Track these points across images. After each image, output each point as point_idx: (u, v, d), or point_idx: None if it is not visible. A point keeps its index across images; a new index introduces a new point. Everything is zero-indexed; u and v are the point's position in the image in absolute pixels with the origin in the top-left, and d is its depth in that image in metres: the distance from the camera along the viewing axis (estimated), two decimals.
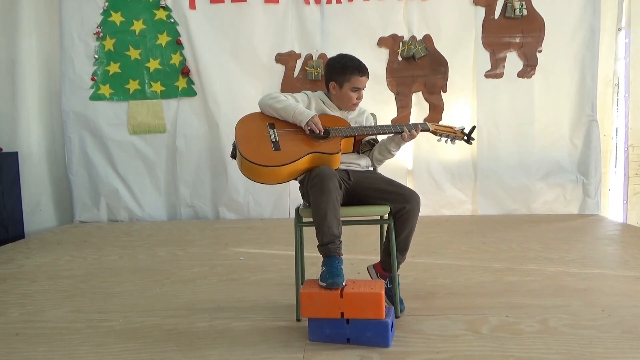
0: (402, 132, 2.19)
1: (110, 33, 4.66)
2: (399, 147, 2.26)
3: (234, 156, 2.17)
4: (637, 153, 4.52)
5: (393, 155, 2.30)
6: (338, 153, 2.11)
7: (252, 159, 2.03)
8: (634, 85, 4.51)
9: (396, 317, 2.08)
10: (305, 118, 2.11)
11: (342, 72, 2.22)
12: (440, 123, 2.43)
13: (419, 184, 4.65)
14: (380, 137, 2.39)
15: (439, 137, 2.30)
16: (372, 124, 2.39)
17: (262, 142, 2.11)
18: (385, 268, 2.23)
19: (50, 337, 2.02)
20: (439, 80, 4.63)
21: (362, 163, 2.28)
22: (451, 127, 2.31)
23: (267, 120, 2.19)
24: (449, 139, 2.29)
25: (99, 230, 4.39)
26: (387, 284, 2.18)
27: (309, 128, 2.10)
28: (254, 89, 4.60)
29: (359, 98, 2.28)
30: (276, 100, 2.18)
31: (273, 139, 2.11)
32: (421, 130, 2.24)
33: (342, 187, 2.03)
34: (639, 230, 4.00)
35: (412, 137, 2.20)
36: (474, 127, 2.34)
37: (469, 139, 2.31)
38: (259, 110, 2.25)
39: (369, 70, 2.26)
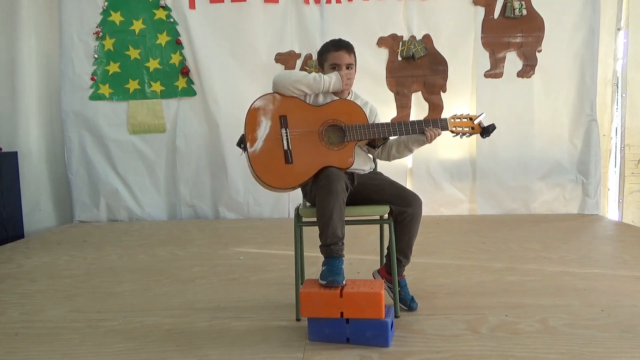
0: (425, 132, 2.13)
1: (110, 33, 4.66)
2: (420, 146, 2.23)
3: (239, 145, 2.10)
4: (633, 152, 4.54)
5: (412, 152, 2.28)
6: (349, 168, 2.08)
7: (264, 179, 2.03)
8: (632, 86, 4.52)
9: (396, 316, 2.08)
10: (338, 79, 2.11)
11: (322, 54, 2.26)
12: (459, 113, 2.29)
13: (418, 183, 4.66)
14: None
15: (455, 134, 2.22)
16: (376, 116, 2.31)
17: (274, 150, 2.05)
18: (390, 271, 2.22)
19: (50, 337, 2.02)
20: (438, 80, 4.63)
21: (366, 168, 2.26)
22: (471, 119, 2.20)
23: (280, 111, 2.10)
24: (465, 135, 2.22)
25: (98, 230, 4.39)
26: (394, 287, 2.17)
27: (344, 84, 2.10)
28: (254, 89, 4.56)
29: (347, 76, 2.15)
30: (302, 75, 2.14)
31: (285, 147, 2.05)
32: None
33: (348, 189, 2.02)
34: (639, 230, 4.01)
35: (435, 137, 2.15)
36: (493, 126, 2.17)
37: (483, 134, 2.19)
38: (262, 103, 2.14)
39: (354, 48, 2.22)
